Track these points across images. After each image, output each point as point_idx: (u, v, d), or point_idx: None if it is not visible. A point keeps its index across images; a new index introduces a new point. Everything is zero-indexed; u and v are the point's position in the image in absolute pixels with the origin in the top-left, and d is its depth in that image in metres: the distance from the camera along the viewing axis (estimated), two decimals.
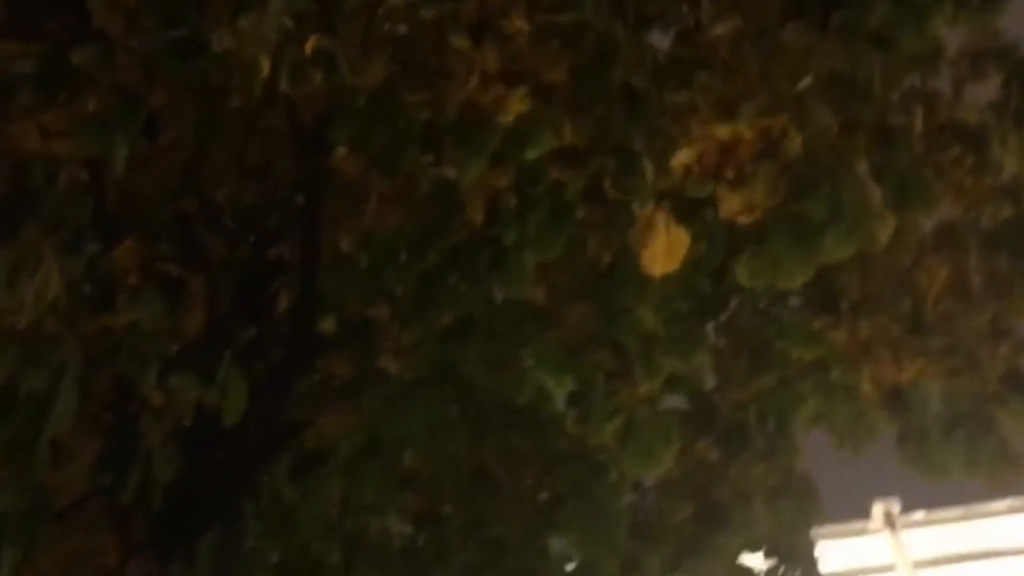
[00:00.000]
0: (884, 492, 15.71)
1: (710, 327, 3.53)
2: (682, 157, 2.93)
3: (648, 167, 2.91)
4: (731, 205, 2.88)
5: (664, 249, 2.85)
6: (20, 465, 2.37)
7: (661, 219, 2.90)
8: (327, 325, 4.00)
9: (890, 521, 14.69)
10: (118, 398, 3.13)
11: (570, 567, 3.83)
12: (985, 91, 3.61)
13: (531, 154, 2.93)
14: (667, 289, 3.24)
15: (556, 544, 3.91)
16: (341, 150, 3.30)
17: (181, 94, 2.56)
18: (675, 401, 3.68)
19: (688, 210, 2.91)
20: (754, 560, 4.37)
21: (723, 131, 2.87)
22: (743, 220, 2.88)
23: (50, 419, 2.18)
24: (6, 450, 2.33)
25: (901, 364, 3.17)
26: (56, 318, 2.23)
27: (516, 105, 2.92)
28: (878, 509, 14.82)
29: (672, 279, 3.06)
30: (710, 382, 3.75)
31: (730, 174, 2.88)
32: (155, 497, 3.69)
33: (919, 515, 14.90)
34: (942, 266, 3.31)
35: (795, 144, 2.85)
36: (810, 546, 4.34)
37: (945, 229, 3.42)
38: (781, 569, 4.44)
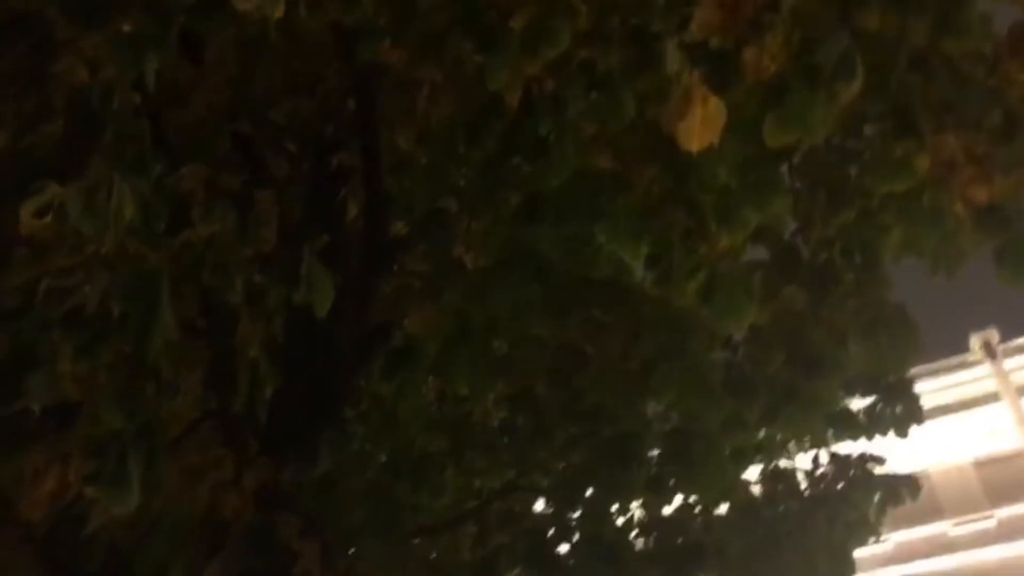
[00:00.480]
0: (979, 325, 15.48)
1: (784, 170, 3.43)
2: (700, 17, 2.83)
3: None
4: (751, 61, 2.79)
5: (702, 121, 2.76)
6: (128, 390, 2.47)
7: (697, 92, 2.80)
8: (399, 226, 4.04)
9: (990, 351, 14.51)
10: (211, 321, 3.22)
11: (668, 428, 3.87)
12: None
13: (552, 54, 2.86)
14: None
15: (653, 409, 3.96)
16: (386, 44, 3.25)
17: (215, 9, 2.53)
18: (756, 252, 3.62)
19: (718, 74, 2.80)
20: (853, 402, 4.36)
21: None
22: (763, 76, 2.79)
23: (151, 337, 2.24)
24: (112, 375, 2.43)
25: (992, 179, 3.05)
26: (137, 240, 2.29)
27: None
28: (976, 340, 14.64)
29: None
30: (790, 227, 3.66)
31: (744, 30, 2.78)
32: (261, 412, 3.84)
33: (1020, 341, 14.68)
34: (1020, 71, 3.13)
35: None
36: (910, 381, 4.30)
37: (1019, 32, 3.23)
38: (880, 407, 4.43)
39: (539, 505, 4.24)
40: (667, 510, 4.04)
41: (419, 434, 4.44)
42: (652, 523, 3.84)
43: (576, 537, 3.68)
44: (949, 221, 3.19)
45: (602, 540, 3.62)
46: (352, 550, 3.68)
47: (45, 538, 3.17)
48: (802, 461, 4.96)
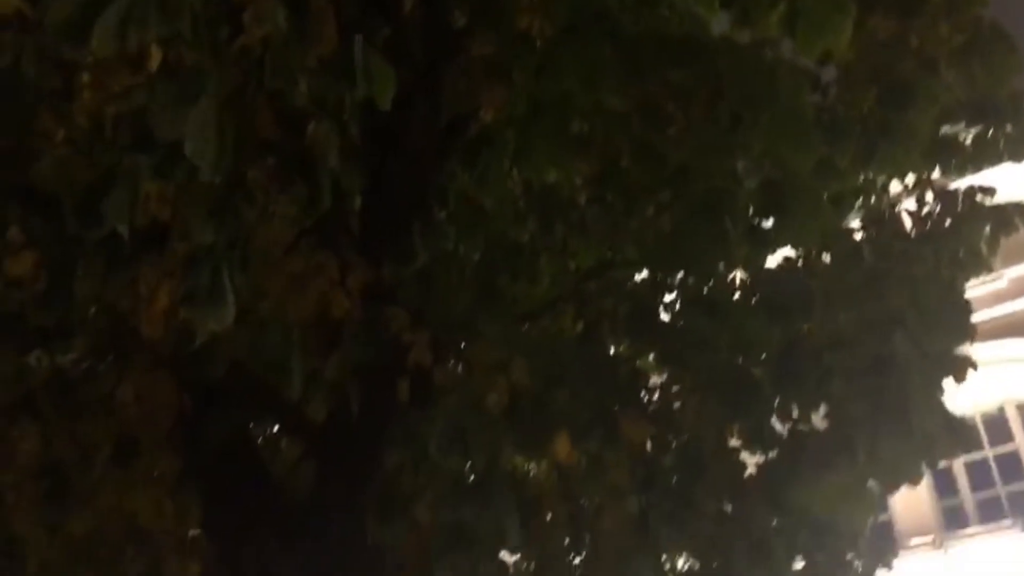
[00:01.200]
0: None
1: None
2: None
3: None
4: None
5: None
6: (214, 206, 2.50)
7: None
8: (457, 14, 3.89)
9: None
10: (284, 131, 3.20)
11: (760, 181, 3.76)
12: None
13: None
14: None
15: (742, 164, 3.84)
16: None
17: None
18: None
19: None
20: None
21: None
22: None
23: (212, 146, 2.22)
24: (195, 193, 2.46)
25: None
26: (190, 49, 2.25)
27: None
28: None
29: None
30: None
31: None
32: (352, 219, 3.89)
33: None
34: None
35: None
36: (1016, 98, 4.05)
37: None
38: (990, 133, 4.21)
39: (638, 277, 4.24)
40: (769, 263, 3.99)
41: (509, 226, 4.45)
42: (755, 278, 3.81)
43: (679, 300, 3.68)
44: None
45: (705, 299, 3.61)
46: (459, 340, 3.78)
47: (171, 356, 3.36)
48: (907, 204, 4.82)
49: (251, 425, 4.20)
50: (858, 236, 4.55)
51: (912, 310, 4.01)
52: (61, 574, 3.70)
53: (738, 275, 4.08)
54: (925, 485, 13.03)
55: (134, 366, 3.55)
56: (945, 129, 4.17)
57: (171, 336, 2.98)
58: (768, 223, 3.73)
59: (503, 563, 4.22)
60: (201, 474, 3.72)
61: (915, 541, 13.68)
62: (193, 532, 4.02)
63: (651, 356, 4.06)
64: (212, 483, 3.70)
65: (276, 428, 4.66)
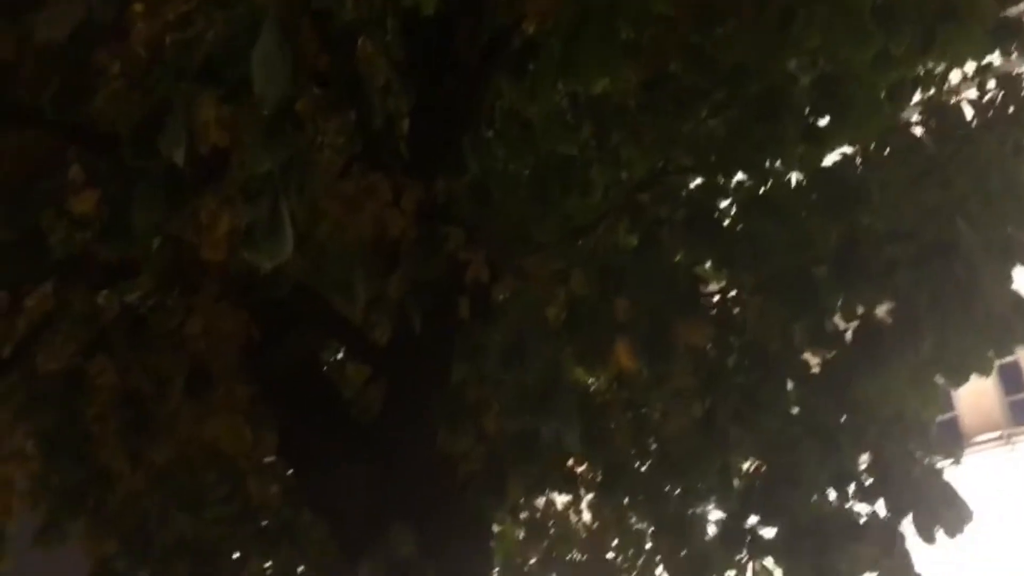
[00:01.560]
0: None
1: None
2: None
3: None
4: None
5: None
6: (270, 131, 2.51)
7: None
8: None
9: None
10: (334, 54, 3.19)
11: (815, 76, 3.67)
12: None
13: None
14: None
15: (796, 61, 3.74)
16: None
17: None
18: None
19: None
20: None
21: None
22: None
23: (271, 75, 2.22)
24: (252, 119, 2.47)
25: None
26: None
27: None
28: None
29: None
30: None
31: None
32: (402, 145, 3.89)
33: None
34: None
35: None
36: None
37: None
38: None
39: (693, 184, 4.19)
40: (827, 161, 3.91)
41: (559, 140, 4.41)
42: (813, 176, 3.73)
43: (736, 203, 3.64)
44: None
45: (763, 200, 3.56)
46: (515, 255, 3.79)
47: (237, 285, 3.43)
48: (968, 95, 4.66)
49: (318, 352, 4.29)
50: (918, 131, 4.43)
51: (975, 197, 3.91)
52: (147, 501, 3.87)
53: (794, 176, 4.02)
54: (992, 381, 12.89)
55: (201, 298, 3.64)
56: (1009, 11, 4.00)
57: (235, 263, 3.04)
58: (824, 121, 3.65)
59: (571, 471, 4.31)
60: (273, 400, 3.83)
61: (982, 437, 13.62)
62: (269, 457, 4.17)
63: (709, 263, 4.04)
64: (284, 408, 3.81)
65: (342, 353, 4.76)
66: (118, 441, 3.74)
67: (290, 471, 4.18)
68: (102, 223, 3.00)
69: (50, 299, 3.82)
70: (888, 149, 3.96)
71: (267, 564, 4.43)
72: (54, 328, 3.90)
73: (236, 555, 4.34)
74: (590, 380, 4.64)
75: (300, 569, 4.36)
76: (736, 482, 4.14)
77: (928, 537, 3.55)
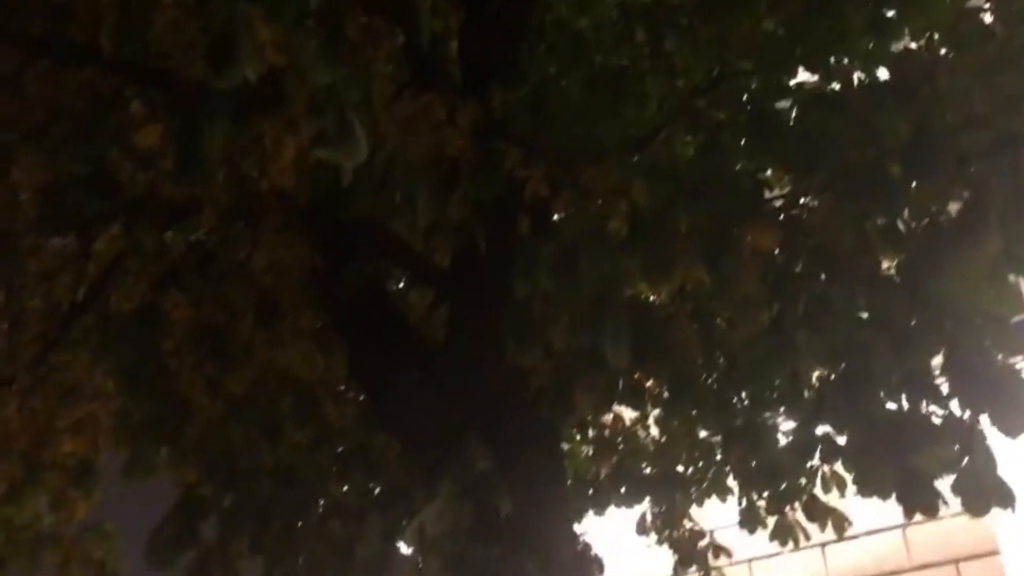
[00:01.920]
0: None
1: None
2: None
3: None
4: None
5: None
6: (327, 47, 2.51)
7: None
8: None
9: None
10: None
11: None
12: None
13: None
14: None
15: None
16: None
17: None
18: None
19: None
20: None
21: None
22: None
23: None
24: (308, 37, 2.47)
25: None
26: None
27: None
28: None
29: None
30: None
31: None
32: (452, 68, 3.85)
33: None
34: None
35: None
36: None
37: None
38: None
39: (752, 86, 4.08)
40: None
41: (612, 51, 4.33)
42: (879, 67, 3.61)
43: (798, 103, 3.53)
44: None
45: (828, 97, 3.45)
46: (574, 169, 3.75)
47: (301, 212, 3.46)
48: None
49: (382, 281, 4.34)
50: (988, 18, 4.23)
51: None
52: (226, 428, 3.98)
53: (858, 74, 3.89)
54: None
55: (263, 230, 3.69)
56: None
57: (299, 191, 3.06)
58: (891, 12, 3.51)
59: (639, 384, 4.31)
60: (342, 327, 3.89)
61: None
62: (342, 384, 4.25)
63: (771, 169, 3.95)
64: (353, 335, 3.87)
65: (405, 281, 4.81)
66: (195, 373, 3.84)
67: (362, 396, 4.26)
68: (167, 159, 3.04)
69: (119, 240, 3.91)
70: (956, 39, 3.79)
71: (344, 487, 4.54)
72: (124, 268, 4.00)
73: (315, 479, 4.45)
74: (651, 296, 4.60)
75: (376, 490, 4.45)
76: (806, 392, 4.11)
77: (1010, 430, 3.48)
